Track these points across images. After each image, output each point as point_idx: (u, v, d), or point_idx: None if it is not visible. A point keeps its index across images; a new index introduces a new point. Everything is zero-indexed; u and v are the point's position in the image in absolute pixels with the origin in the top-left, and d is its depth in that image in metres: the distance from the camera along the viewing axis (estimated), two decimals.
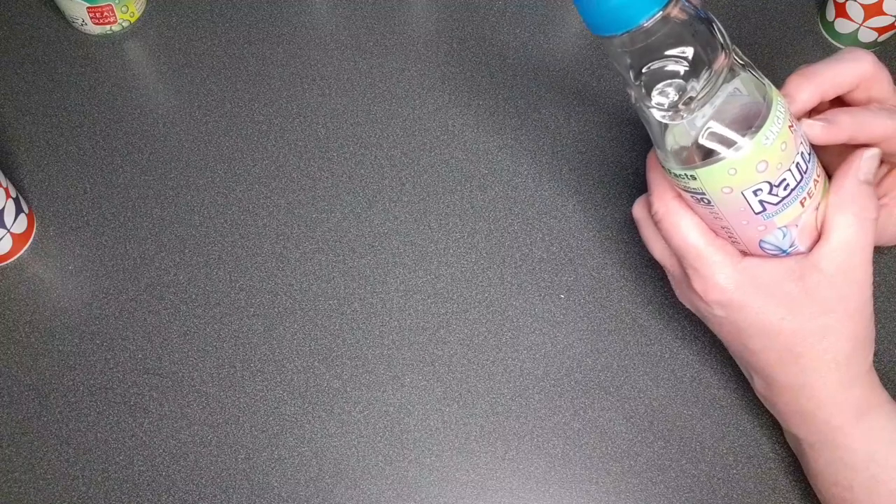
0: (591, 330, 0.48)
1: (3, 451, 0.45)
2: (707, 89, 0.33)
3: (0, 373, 0.47)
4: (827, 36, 0.58)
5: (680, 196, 0.38)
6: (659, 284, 0.49)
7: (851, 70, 0.38)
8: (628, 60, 0.34)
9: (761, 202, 0.35)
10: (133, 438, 0.45)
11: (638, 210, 0.43)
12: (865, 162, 0.37)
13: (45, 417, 0.46)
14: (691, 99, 0.33)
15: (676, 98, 0.34)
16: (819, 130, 0.37)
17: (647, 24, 0.32)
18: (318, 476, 0.44)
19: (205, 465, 0.44)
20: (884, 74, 0.38)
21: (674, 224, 0.38)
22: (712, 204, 0.36)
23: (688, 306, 0.42)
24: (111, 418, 0.46)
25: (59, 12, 0.58)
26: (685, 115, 0.34)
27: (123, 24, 0.58)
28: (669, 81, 0.33)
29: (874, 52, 0.57)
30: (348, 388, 0.46)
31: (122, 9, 0.57)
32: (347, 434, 0.45)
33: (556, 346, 0.48)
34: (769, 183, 0.35)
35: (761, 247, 0.38)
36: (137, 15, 0.59)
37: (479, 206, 0.52)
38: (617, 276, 0.50)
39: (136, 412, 0.46)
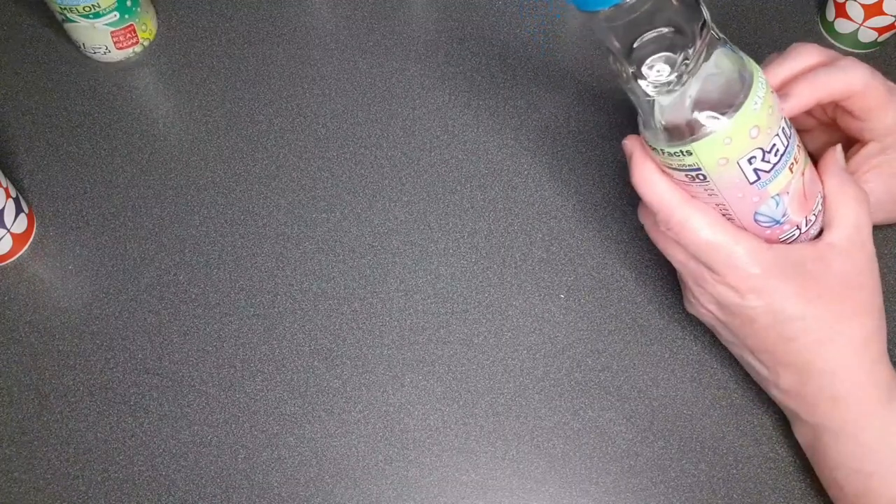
0: (591, 330, 0.48)
1: (3, 451, 0.45)
2: (694, 62, 0.34)
3: (0, 373, 0.47)
4: (827, 36, 0.58)
5: (690, 200, 0.38)
6: (658, 284, 0.49)
7: (845, 82, 0.40)
8: (616, 37, 0.34)
9: (756, 171, 0.36)
10: (133, 438, 0.45)
11: (644, 217, 0.43)
12: (840, 154, 0.41)
13: (45, 417, 0.46)
14: (681, 72, 0.34)
15: (666, 72, 0.34)
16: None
17: None
18: (318, 476, 0.44)
19: (205, 465, 0.44)
20: (874, 86, 0.40)
21: (693, 229, 0.38)
22: (708, 179, 0.37)
23: (709, 309, 0.41)
24: (111, 418, 0.46)
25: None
26: (675, 90, 0.34)
27: (144, 43, 0.57)
28: (658, 56, 0.34)
29: (874, 51, 0.57)
30: (348, 388, 0.46)
31: (142, 27, 0.56)
32: (347, 434, 0.45)
33: (556, 346, 0.48)
34: (762, 149, 0.36)
35: (756, 220, 0.38)
36: (154, 31, 0.58)
37: (479, 206, 0.52)
38: (617, 276, 0.50)
39: (136, 412, 0.46)
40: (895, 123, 0.41)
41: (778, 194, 0.37)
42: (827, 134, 0.45)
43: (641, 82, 0.35)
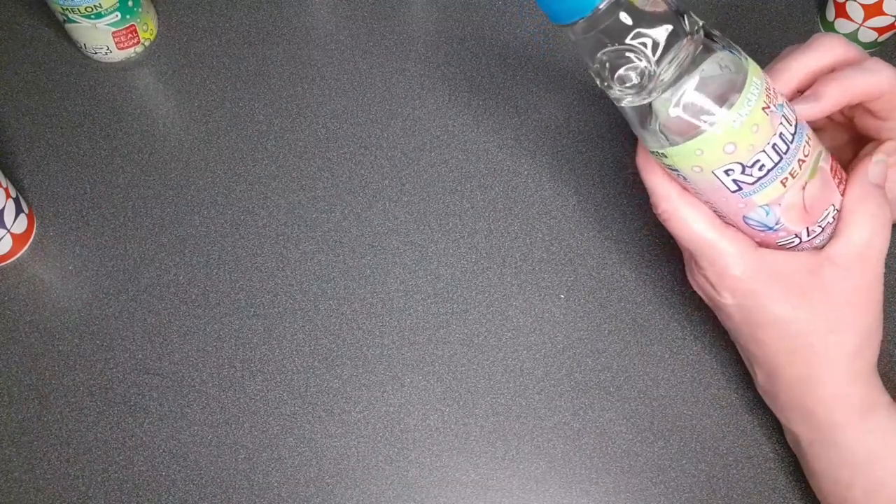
0: (591, 330, 0.48)
1: (3, 451, 0.45)
2: (671, 70, 0.33)
3: (0, 373, 0.47)
4: None
5: (683, 192, 0.38)
6: (659, 284, 0.49)
7: (871, 83, 0.38)
8: (590, 46, 0.34)
9: (735, 181, 0.35)
10: (133, 438, 0.45)
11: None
12: (873, 167, 0.38)
13: (45, 417, 0.46)
14: (653, 81, 0.33)
15: (638, 81, 0.34)
16: (807, 110, 0.37)
17: (602, 6, 0.32)
18: (318, 476, 0.44)
19: (205, 465, 0.44)
20: None
21: (681, 220, 0.38)
22: (688, 181, 0.37)
23: (699, 293, 0.41)
24: (111, 418, 0.46)
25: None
26: (650, 97, 0.34)
27: (146, 43, 0.57)
28: (631, 65, 0.33)
29: (874, 51, 0.57)
30: (348, 388, 0.46)
31: (143, 27, 0.56)
32: (347, 434, 0.45)
33: (556, 346, 0.48)
34: (741, 164, 0.35)
35: (746, 222, 0.38)
36: (155, 31, 0.58)
37: (479, 206, 0.52)
38: (617, 276, 0.50)
39: (136, 412, 0.46)
40: None
41: (767, 204, 0.36)
42: (839, 132, 0.44)
43: (615, 91, 0.35)
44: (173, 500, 0.44)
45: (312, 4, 0.60)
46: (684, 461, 0.45)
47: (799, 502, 0.44)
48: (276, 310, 0.48)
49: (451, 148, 0.54)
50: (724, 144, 0.34)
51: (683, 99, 0.34)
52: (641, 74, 0.33)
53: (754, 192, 0.36)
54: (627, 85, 0.34)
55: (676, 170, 0.36)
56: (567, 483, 0.44)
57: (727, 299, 0.39)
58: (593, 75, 0.35)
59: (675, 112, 0.34)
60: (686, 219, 0.38)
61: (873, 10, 0.53)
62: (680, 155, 0.35)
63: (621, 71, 0.34)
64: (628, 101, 0.35)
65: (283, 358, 0.47)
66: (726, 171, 0.35)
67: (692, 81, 0.34)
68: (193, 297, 0.49)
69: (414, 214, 0.51)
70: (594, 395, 0.46)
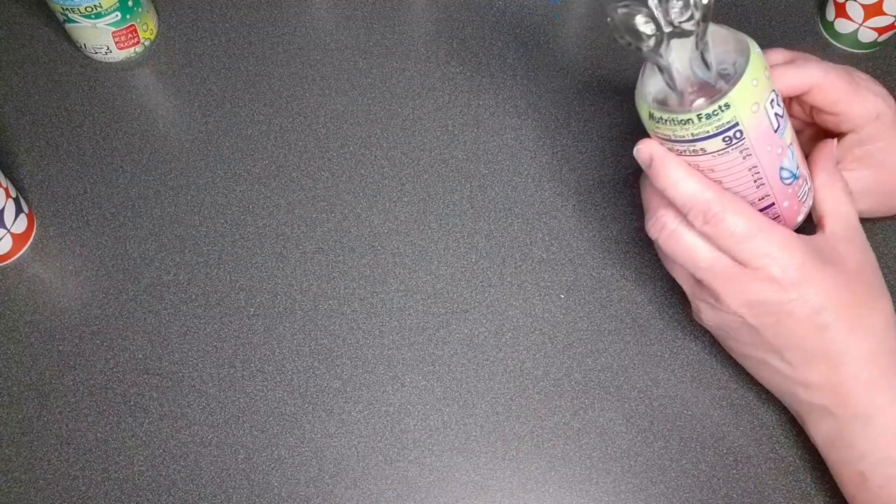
0: (591, 330, 0.48)
1: (3, 451, 0.45)
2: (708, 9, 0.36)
3: (0, 373, 0.47)
4: (827, 36, 0.58)
5: (724, 191, 0.39)
6: (659, 284, 0.49)
7: (800, 78, 0.42)
8: None
9: (776, 115, 0.38)
10: (133, 438, 0.45)
11: (658, 230, 0.41)
12: (834, 148, 0.42)
13: (45, 417, 0.46)
14: (705, 12, 0.36)
15: (686, 9, 0.36)
16: None
17: None
18: (318, 476, 0.44)
19: (205, 465, 0.44)
20: (832, 79, 0.42)
21: (732, 222, 0.38)
22: (744, 136, 0.37)
23: (738, 313, 0.40)
24: (111, 418, 0.46)
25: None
26: (699, 32, 0.36)
27: (146, 43, 0.57)
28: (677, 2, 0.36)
29: (874, 51, 0.57)
30: (348, 388, 0.46)
31: (143, 27, 0.56)
32: (347, 434, 0.45)
33: (556, 346, 0.48)
34: (774, 91, 0.38)
35: (781, 177, 0.39)
36: (156, 31, 0.58)
37: (479, 206, 0.52)
38: (617, 276, 0.50)
39: (136, 412, 0.46)
40: (865, 113, 0.42)
41: (791, 144, 0.39)
42: (814, 131, 0.47)
43: (673, 29, 0.36)
44: (173, 500, 0.44)
45: (312, 4, 0.60)
46: (684, 461, 0.45)
47: (799, 501, 0.44)
48: (276, 310, 0.48)
49: (451, 148, 0.54)
50: (764, 69, 0.37)
51: (720, 46, 0.37)
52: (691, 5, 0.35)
53: (784, 126, 0.38)
54: (686, 19, 0.36)
55: (736, 123, 0.36)
56: (567, 483, 0.44)
57: (793, 293, 0.38)
58: (643, 40, 0.36)
59: (721, 56, 0.37)
60: (735, 220, 0.38)
61: (873, 10, 0.53)
62: (742, 94, 0.36)
63: (673, 3, 0.35)
64: (678, 34, 0.36)
65: (283, 358, 0.47)
66: (770, 102, 0.37)
67: (713, 38, 0.37)
68: (193, 297, 0.49)
69: (414, 214, 0.51)
70: (594, 395, 0.46)
